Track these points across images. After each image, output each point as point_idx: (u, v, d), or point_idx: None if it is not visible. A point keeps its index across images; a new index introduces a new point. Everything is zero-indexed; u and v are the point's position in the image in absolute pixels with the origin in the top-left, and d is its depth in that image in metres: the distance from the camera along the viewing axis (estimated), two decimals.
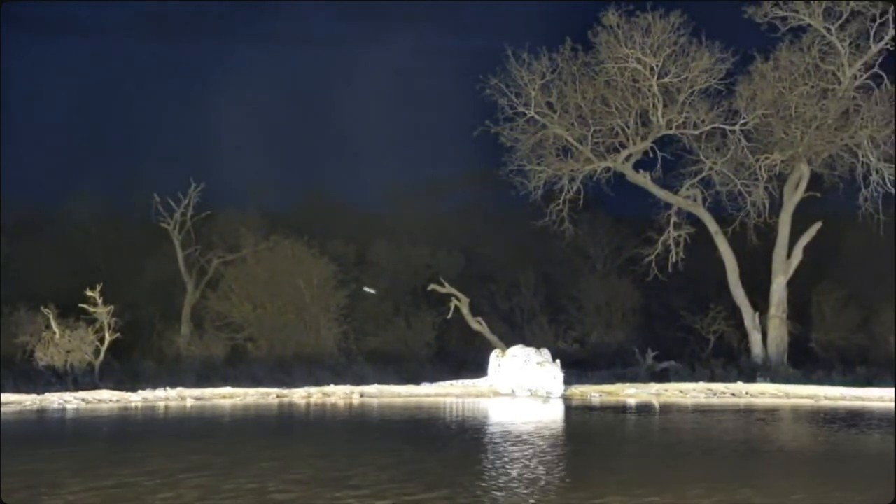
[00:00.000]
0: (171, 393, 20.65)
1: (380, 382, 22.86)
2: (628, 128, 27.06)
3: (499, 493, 10.39)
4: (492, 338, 27.36)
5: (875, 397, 21.17)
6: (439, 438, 15.33)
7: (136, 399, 20.03)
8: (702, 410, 19.62)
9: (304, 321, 27.87)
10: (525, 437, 15.21)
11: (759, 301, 27.42)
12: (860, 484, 11.18)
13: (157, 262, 31.54)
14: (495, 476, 11.49)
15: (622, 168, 27.47)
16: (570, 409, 19.76)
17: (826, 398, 21.27)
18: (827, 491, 10.85)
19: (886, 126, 25.46)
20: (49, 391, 20.84)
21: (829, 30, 25.55)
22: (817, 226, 27.13)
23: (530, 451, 13.56)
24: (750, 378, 24.28)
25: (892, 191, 25.81)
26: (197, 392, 20.87)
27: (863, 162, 25.97)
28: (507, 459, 12.78)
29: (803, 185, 26.93)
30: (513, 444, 14.29)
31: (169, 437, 15.67)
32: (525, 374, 21.70)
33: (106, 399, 19.99)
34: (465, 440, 15.35)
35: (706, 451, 14.10)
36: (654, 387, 22.68)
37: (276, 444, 14.25)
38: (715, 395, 21.79)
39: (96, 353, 24.93)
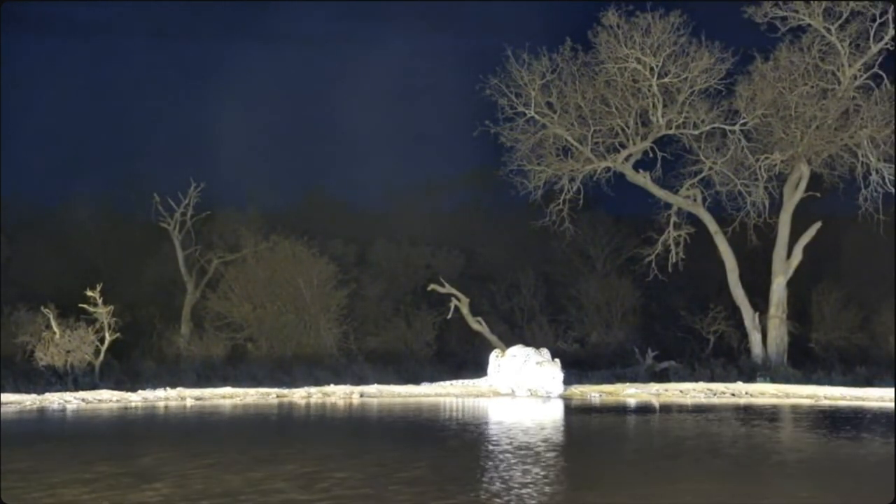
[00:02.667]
0: (171, 393, 20.65)
1: (380, 382, 22.88)
2: (628, 128, 27.06)
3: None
4: (492, 338, 27.36)
5: (875, 397, 21.16)
6: (429, 441, 15.13)
7: (136, 399, 20.03)
8: (699, 410, 19.59)
9: (304, 321, 27.87)
10: (521, 436, 15.19)
11: (759, 301, 27.42)
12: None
13: (157, 262, 31.58)
14: (490, 480, 11.46)
15: (622, 168, 27.47)
16: (570, 410, 19.73)
17: (826, 398, 21.25)
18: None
19: (886, 126, 25.44)
20: (49, 391, 20.85)
21: (829, 30, 25.54)
22: (817, 226, 27.13)
23: (523, 451, 13.51)
24: (750, 378, 24.27)
25: (892, 191, 25.80)
26: (197, 392, 20.88)
27: (863, 162, 25.96)
28: (501, 461, 12.69)
29: (803, 185, 26.92)
30: (507, 445, 14.25)
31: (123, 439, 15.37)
32: (525, 374, 21.70)
33: (106, 399, 19.99)
34: (462, 441, 15.23)
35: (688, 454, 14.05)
36: (654, 387, 22.68)
37: (220, 447, 13.85)
38: (715, 395, 21.78)
39: (96, 353, 24.93)
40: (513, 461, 12.52)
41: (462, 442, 14.87)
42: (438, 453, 13.45)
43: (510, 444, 14.28)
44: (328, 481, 10.93)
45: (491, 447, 14.08)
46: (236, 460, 12.41)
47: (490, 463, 12.54)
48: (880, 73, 25.80)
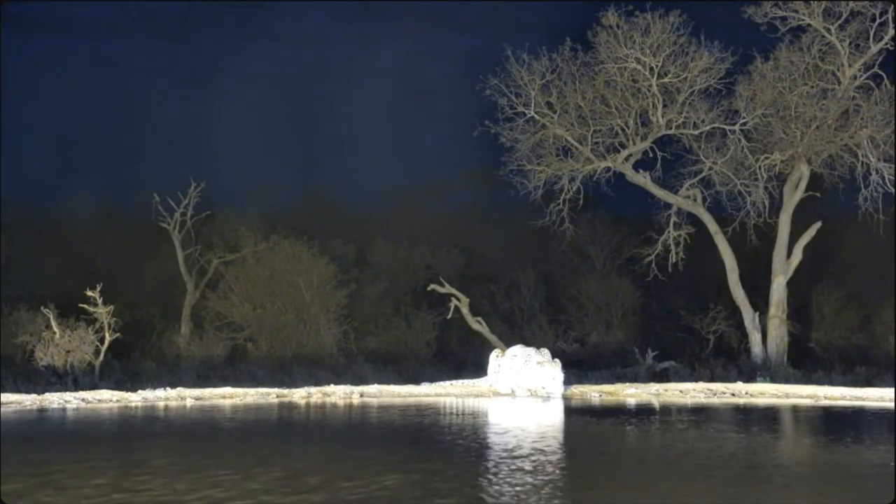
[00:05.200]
0: (171, 393, 20.65)
1: (380, 382, 22.87)
2: (628, 128, 27.06)
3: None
4: (492, 338, 27.36)
5: (875, 397, 21.16)
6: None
7: (136, 399, 20.02)
8: (699, 411, 19.57)
9: (304, 321, 27.87)
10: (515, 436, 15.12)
11: (759, 301, 27.42)
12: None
13: (157, 262, 31.61)
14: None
15: (622, 168, 27.47)
16: (569, 410, 19.68)
17: (826, 398, 21.24)
18: None
19: (886, 126, 25.44)
20: (49, 391, 20.83)
21: (828, 30, 25.55)
22: (817, 226, 27.13)
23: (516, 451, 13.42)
24: (750, 378, 24.27)
25: (892, 191, 25.80)
26: (197, 392, 20.88)
27: (863, 162, 25.96)
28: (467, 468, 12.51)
29: (803, 185, 26.93)
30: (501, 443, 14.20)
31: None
32: (525, 374, 21.70)
33: (106, 399, 19.98)
34: (437, 444, 14.71)
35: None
36: (654, 387, 22.66)
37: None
38: (715, 395, 21.77)
39: (96, 353, 24.93)
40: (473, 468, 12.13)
41: (436, 445, 14.48)
42: (404, 457, 13.05)
43: (480, 447, 14.04)
44: (247, 489, 10.50)
45: (462, 451, 13.74)
46: (181, 467, 12.01)
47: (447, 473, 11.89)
48: (880, 73, 25.82)
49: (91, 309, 25.10)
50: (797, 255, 27.14)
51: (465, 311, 28.03)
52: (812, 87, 25.93)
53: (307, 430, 17.26)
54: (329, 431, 17.01)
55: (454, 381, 22.86)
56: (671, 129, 26.85)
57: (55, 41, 51.61)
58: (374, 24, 50.60)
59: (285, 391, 21.23)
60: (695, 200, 27.38)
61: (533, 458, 12.74)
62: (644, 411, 19.50)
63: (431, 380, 23.39)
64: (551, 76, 26.90)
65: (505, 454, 13.13)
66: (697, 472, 12.14)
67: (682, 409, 19.62)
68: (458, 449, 13.89)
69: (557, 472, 11.93)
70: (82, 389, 21.45)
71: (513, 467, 11.94)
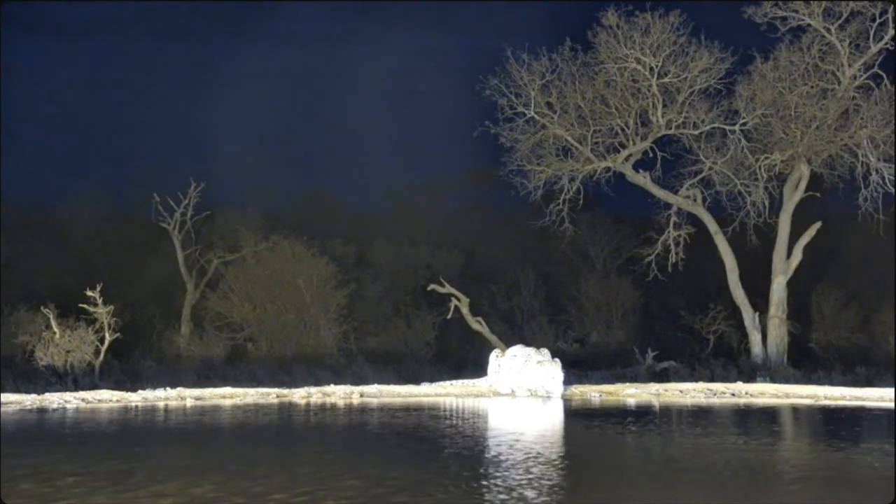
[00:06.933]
0: (171, 393, 20.65)
1: (380, 382, 22.88)
2: (628, 128, 27.06)
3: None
4: (492, 338, 27.35)
5: (875, 397, 21.16)
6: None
7: (136, 399, 20.03)
8: (699, 411, 19.58)
9: (304, 321, 27.88)
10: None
11: (759, 301, 27.42)
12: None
13: (157, 262, 31.60)
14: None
15: (622, 168, 27.47)
16: (568, 411, 19.67)
17: (826, 398, 21.25)
18: None
19: (886, 126, 25.44)
20: (49, 391, 20.84)
21: (828, 30, 25.55)
22: (817, 226, 27.13)
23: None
24: (750, 378, 24.27)
25: (892, 191, 25.80)
26: (197, 392, 20.88)
27: (863, 162, 25.96)
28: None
29: (803, 185, 26.93)
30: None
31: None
32: (525, 374, 21.70)
33: (106, 399, 19.99)
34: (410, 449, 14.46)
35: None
36: (654, 387, 22.66)
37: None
38: (715, 395, 21.77)
39: (96, 353, 24.92)
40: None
41: (425, 447, 14.26)
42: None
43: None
44: (192, 494, 10.24)
45: (449, 454, 13.51)
46: (141, 470, 11.78)
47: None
48: (880, 73, 25.82)
49: (91, 309, 25.09)
50: (797, 255, 27.14)
51: (465, 311, 28.02)
52: (812, 87, 25.93)
53: (298, 432, 17.14)
54: (321, 433, 16.93)
55: (454, 381, 22.87)
56: (671, 129, 26.85)
57: (55, 41, 51.60)
58: (374, 24, 50.61)
59: (285, 391, 21.24)
60: (695, 200, 27.38)
61: (522, 462, 12.61)
62: (644, 412, 19.50)
63: (431, 380, 23.39)
64: (551, 76, 26.90)
65: (491, 458, 13.06)
66: (696, 474, 12.14)
67: (682, 410, 19.63)
68: (446, 452, 13.79)
69: (544, 476, 11.81)
70: (82, 389, 21.45)
71: (490, 469, 11.90)
